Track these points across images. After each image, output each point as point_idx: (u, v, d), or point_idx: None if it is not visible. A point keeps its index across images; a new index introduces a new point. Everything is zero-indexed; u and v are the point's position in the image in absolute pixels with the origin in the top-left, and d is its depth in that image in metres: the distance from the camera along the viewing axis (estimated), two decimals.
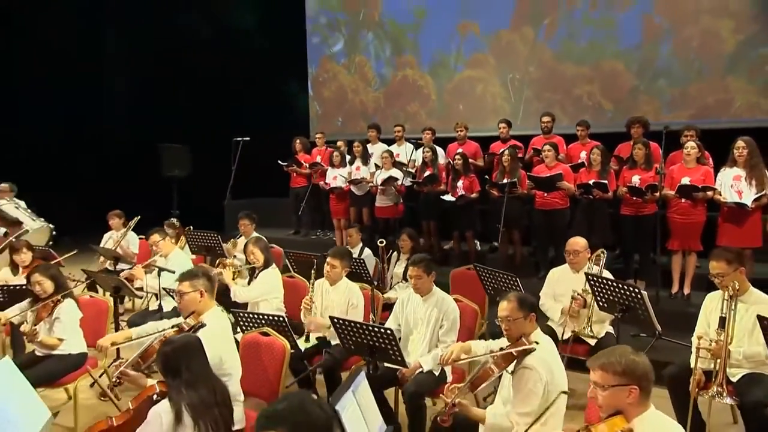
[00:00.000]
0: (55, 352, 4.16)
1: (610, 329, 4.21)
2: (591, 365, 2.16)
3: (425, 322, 3.85)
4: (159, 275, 5.29)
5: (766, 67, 7.03)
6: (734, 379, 3.37)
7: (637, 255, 5.92)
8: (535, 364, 2.74)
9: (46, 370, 4.03)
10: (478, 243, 7.14)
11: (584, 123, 6.70)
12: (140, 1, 11.19)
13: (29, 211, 7.02)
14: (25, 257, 5.47)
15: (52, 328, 4.23)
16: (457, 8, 9.13)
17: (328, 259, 4.45)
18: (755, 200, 4.95)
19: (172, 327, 3.39)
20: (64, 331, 4.20)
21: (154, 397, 2.80)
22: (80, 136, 11.12)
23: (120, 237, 6.76)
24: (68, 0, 10.96)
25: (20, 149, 10.15)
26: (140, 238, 7.03)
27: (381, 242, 5.62)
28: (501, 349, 2.91)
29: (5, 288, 4.88)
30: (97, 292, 5.90)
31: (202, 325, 3.23)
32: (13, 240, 5.86)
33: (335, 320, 3.69)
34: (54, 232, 7.20)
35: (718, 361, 3.24)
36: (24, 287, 4.70)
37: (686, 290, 5.46)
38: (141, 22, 11.18)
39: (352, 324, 3.60)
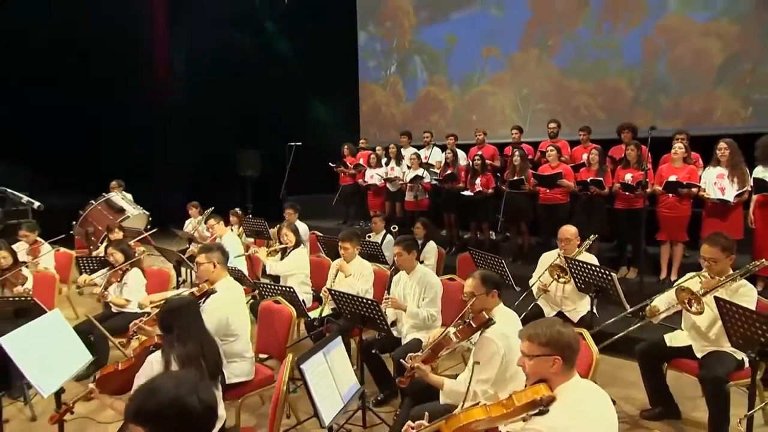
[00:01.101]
0: (125, 310, 4.38)
1: (593, 310, 3.93)
2: (520, 336, 2.01)
3: (411, 295, 3.79)
4: None
5: (747, 80, 6.77)
6: (699, 356, 3.22)
7: (630, 245, 5.69)
8: (494, 337, 2.60)
9: (115, 323, 4.18)
10: (493, 233, 6.99)
11: (586, 128, 6.54)
12: (218, 32, 11.36)
13: (132, 202, 7.28)
14: (118, 235, 5.75)
15: (122, 291, 4.48)
16: (481, 35, 9.14)
17: (340, 243, 4.43)
18: (737, 196, 4.75)
19: (190, 291, 3.46)
20: (130, 293, 4.43)
21: (151, 347, 2.77)
22: (177, 144, 11.57)
23: (197, 223, 7.12)
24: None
25: (132, 155, 10.56)
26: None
27: (394, 228, 5.67)
28: (462, 320, 2.73)
29: (95, 258, 5.26)
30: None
31: (214, 291, 3.27)
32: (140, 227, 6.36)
33: (333, 292, 3.66)
34: (150, 218, 7.36)
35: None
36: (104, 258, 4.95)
37: (673, 276, 5.22)
38: (215, 51, 11.35)
39: (347, 296, 3.52)
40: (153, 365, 2.48)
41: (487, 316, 2.62)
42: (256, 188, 10.25)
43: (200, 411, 1.38)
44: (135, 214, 7.08)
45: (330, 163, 8.58)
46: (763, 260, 3.18)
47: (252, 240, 6.62)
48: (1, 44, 9.15)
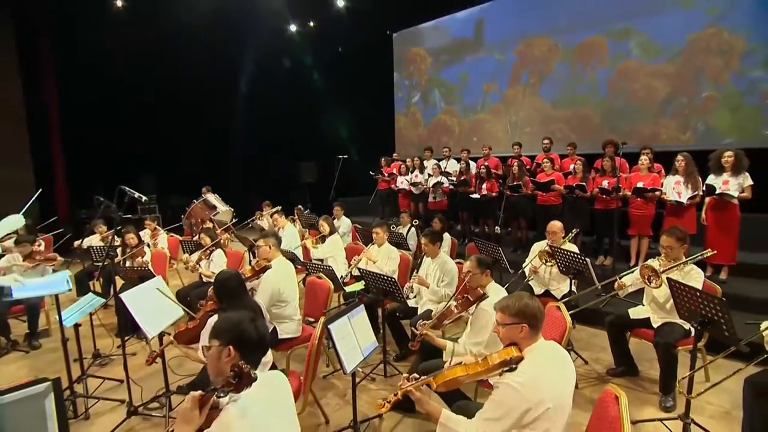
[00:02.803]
0: (211, 280, 4.41)
1: (574, 290, 3.81)
2: (495, 307, 1.91)
3: (432, 276, 3.78)
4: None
5: (686, 111, 6.58)
6: (655, 326, 3.16)
7: (606, 238, 5.52)
8: (488, 308, 2.58)
9: (203, 290, 4.18)
10: (497, 228, 6.70)
11: (572, 144, 6.34)
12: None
13: (221, 200, 7.39)
14: (208, 225, 6.00)
15: (209, 266, 4.66)
16: (485, 74, 9.08)
17: (374, 229, 4.41)
18: (690, 198, 4.58)
19: (250, 266, 3.44)
20: (215, 268, 4.54)
21: (210, 312, 2.75)
22: (255, 158, 11.73)
23: (263, 216, 7.31)
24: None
25: (220, 167, 10.92)
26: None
27: (415, 222, 5.63)
28: (462, 295, 2.74)
29: (194, 242, 5.41)
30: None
31: (269, 267, 3.27)
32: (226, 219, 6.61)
33: (361, 270, 3.65)
34: (234, 213, 7.65)
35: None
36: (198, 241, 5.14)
37: (640, 263, 4.97)
38: (283, 86, 11.46)
39: (373, 273, 3.55)
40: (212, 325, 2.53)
41: (481, 292, 2.63)
42: (313, 191, 10.42)
43: (254, 336, 1.52)
44: (224, 210, 7.33)
45: (370, 172, 8.61)
46: (708, 250, 3.09)
47: (307, 230, 6.77)
48: (124, 90, 9.46)
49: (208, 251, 4.67)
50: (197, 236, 5.54)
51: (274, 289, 3.15)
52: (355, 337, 2.43)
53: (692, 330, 2.91)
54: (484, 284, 2.72)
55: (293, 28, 10.97)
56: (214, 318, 2.47)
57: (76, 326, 3.18)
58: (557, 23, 7.88)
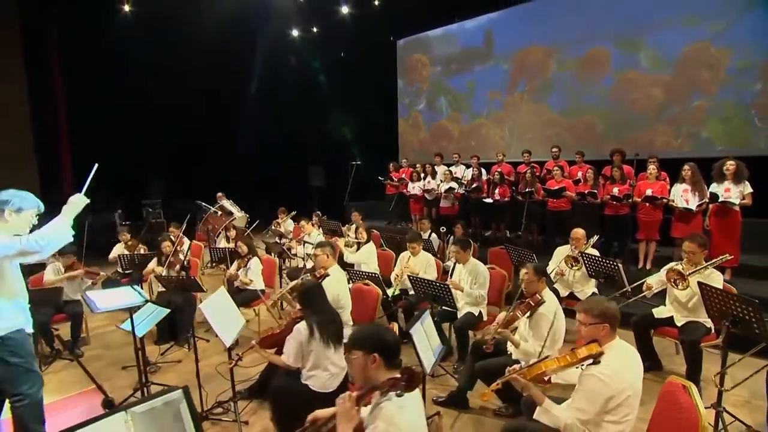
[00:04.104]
0: (248, 287, 4.64)
1: (596, 290, 4.17)
2: (578, 309, 2.16)
3: (465, 281, 3.96)
4: (303, 245, 5.76)
5: (678, 118, 7.06)
6: (679, 324, 3.45)
7: (616, 242, 5.85)
8: (545, 311, 2.86)
9: (243, 297, 4.48)
10: (507, 231, 7.19)
11: (581, 152, 6.67)
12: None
13: (236, 206, 7.66)
14: (231, 233, 6.25)
15: (246, 273, 4.74)
16: (492, 82, 9.41)
17: (410, 244, 4.55)
18: (698, 206, 4.92)
19: (312, 275, 3.67)
20: (252, 275, 4.69)
21: (297, 319, 2.86)
22: (262, 162, 11.85)
23: (280, 222, 7.47)
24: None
25: (229, 169, 10.93)
26: (294, 224, 7.60)
27: (442, 229, 5.85)
28: (521, 301, 2.99)
29: (220, 249, 5.62)
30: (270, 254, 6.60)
31: (327, 275, 3.48)
32: (228, 223, 6.67)
33: (412, 278, 3.82)
34: (249, 218, 7.76)
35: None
36: (233, 249, 5.26)
37: (648, 266, 5.44)
38: (293, 96, 11.67)
39: (424, 280, 3.73)
40: (300, 331, 2.66)
41: (539, 297, 2.90)
42: (321, 195, 10.57)
43: (393, 343, 1.73)
44: (239, 216, 7.51)
45: (379, 177, 8.84)
46: (726, 255, 3.44)
47: (329, 236, 6.94)
48: (131, 94, 9.44)
49: (246, 259, 4.79)
50: (223, 242, 5.68)
51: (333, 295, 3.30)
52: (427, 340, 2.64)
53: (712, 328, 3.32)
54: (540, 290, 2.97)
55: (296, 32, 11.11)
56: (302, 324, 2.67)
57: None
58: (562, 34, 8.24)
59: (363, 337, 1.73)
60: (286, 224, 7.57)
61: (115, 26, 8.84)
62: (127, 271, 5.57)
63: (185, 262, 4.39)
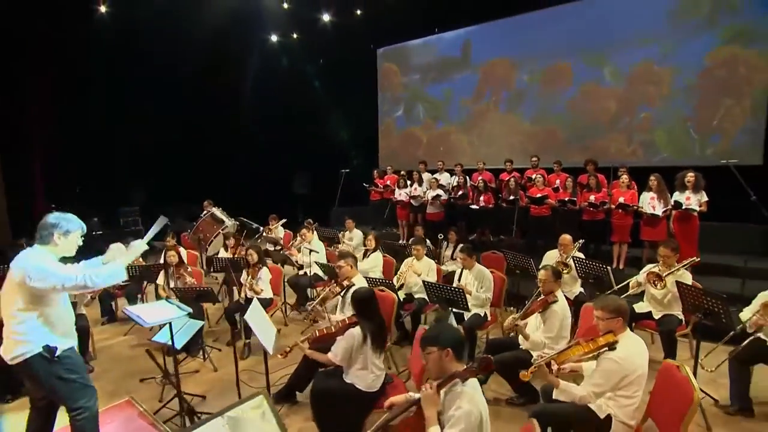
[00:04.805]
0: (258, 296, 4.80)
1: (582, 290, 4.69)
2: (595, 306, 2.60)
3: (472, 284, 4.36)
4: (310, 253, 5.91)
5: (629, 127, 7.96)
6: (656, 317, 4.01)
7: (592, 244, 6.36)
8: (557, 309, 3.32)
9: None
10: (491, 236, 7.70)
11: (558, 162, 7.28)
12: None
13: (226, 214, 7.43)
14: (230, 242, 6.35)
15: (257, 282, 4.91)
16: (464, 91, 10.07)
17: (415, 247, 4.95)
18: (663, 212, 5.62)
19: (337, 285, 3.91)
20: (262, 284, 4.89)
21: (350, 324, 3.10)
22: (256, 171, 11.70)
23: (273, 231, 7.67)
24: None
25: (217, 177, 10.90)
26: (285, 231, 7.85)
27: (440, 236, 6.23)
28: (537, 297, 3.44)
29: (221, 259, 5.63)
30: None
31: (353, 284, 3.75)
32: (225, 232, 6.73)
33: (426, 282, 4.21)
34: (238, 226, 7.50)
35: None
36: (236, 260, 5.43)
37: (621, 266, 6.10)
38: (279, 103, 11.69)
39: (440, 286, 4.09)
40: (354, 336, 2.94)
41: (554, 296, 3.38)
42: (304, 202, 10.77)
43: (462, 339, 2.10)
44: (230, 225, 7.43)
45: (364, 184, 9.15)
46: (694, 258, 4.07)
47: (325, 243, 7.12)
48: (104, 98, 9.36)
49: (257, 268, 4.96)
50: (206, 250, 5.76)
51: None
52: None
53: (683, 320, 3.95)
54: (555, 290, 3.44)
55: (275, 38, 11.25)
56: (356, 330, 2.96)
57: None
58: (532, 48, 8.97)
59: (436, 336, 2.08)
60: (277, 231, 7.76)
61: (91, 27, 8.66)
62: (124, 282, 5.59)
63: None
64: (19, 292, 2.36)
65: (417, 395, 2.26)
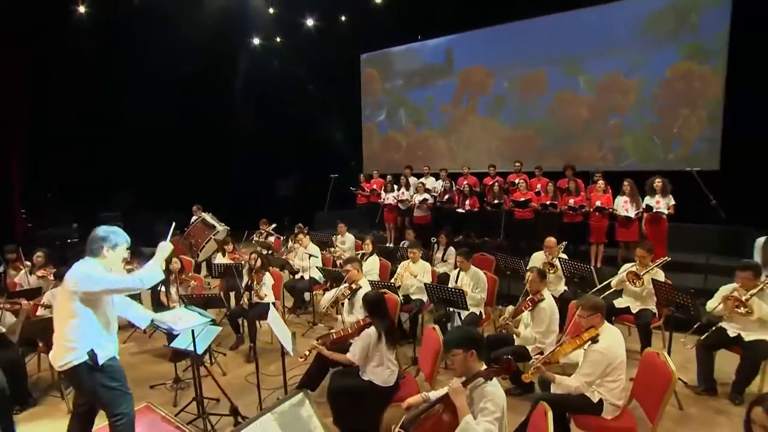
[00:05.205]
0: (262, 301, 5.01)
1: (566, 288, 5.09)
2: (578, 303, 2.97)
3: (468, 285, 4.68)
4: (309, 258, 6.07)
5: (600, 132, 8.66)
6: (634, 311, 4.47)
7: (571, 245, 6.67)
8: (545, 306, 3.68)
9: (259, 310, 4.81)
10: (476, 238, 8.03)
11: (539, 167, 7.77)
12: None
13: (216, 219, 7.56)
14: (229, 247, 6.47)
15: (261, 288, 5.06)
16: (446, 96, 10.54)
17: (411, 250, 5.24)
18: (636, 214, 6.19)
19: (346, 287, 4.15)
20: (266, 289, 5.06)
21: (364, 325, 3.32)
22: (240, 175, 11.82)
23: (266, 234, 7.85)
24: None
25: (201, 182, 10.81)
26: (276, 237, 7.98)
27: (433, 239, 6.50)
28: (526, 296, 3.84)
29: (219, 265, 5.84)
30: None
31: (360, 287, 4.02)
32: (221, 238, 6.84)
33: (428, 285, 4.51)
34: (229, 231, 7.61)
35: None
36: (235, 265, 5.65)
37: (598, 264, 6.57)
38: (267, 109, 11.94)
39: (439, 287, 4.40)
40: (370, 335, 3.21)
41: (541, 295, 3.77)
42: (289, 205, 10.86)
43: (483, 340, 2.42)
44: (221, 230, 7.54)
45: (351, 188, 9.42)
46: (667, 258, 4.61)
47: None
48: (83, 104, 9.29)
49: (261, 274, 5.14)
50: (197, 256, 5.91)
51: None
52: None
53: (656, 313, 4.45)
54: (541, 289, 3.84)
55: (257, 41, 11.34)
56: (371, 330, 3.24)
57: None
58: (510, 56, 9.54)
59: (460, 339, 2.38)
60: (269, 235, 7.92)
61: (75, 33, 8.56)
62: None
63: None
64: (70, 300, 2.55)
65: (432, 393, 2.62)
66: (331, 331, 3.75)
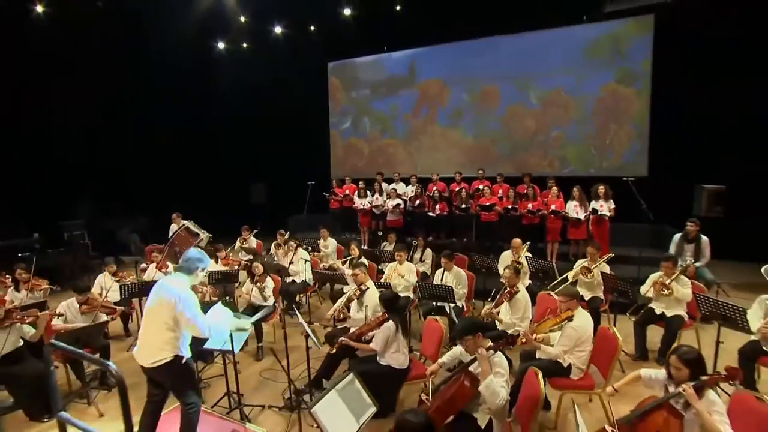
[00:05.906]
0: (263, 303, 5.50)
1: (531, 281, 5.94)
2: (558, 293, 3.94)
3: (451, 283, 5.33)
4: (305, 263, 6.59)
5: (546, 143, 9.98)
6: (587, 299, 5.38)
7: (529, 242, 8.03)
8: (520, 297, 4.55)
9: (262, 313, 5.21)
10: (445, 239, 8.88)
11: (501, 174, 8.85)
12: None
13: (199, 227, 7.52)
14: (222, 254, 6.94)
15: (263, 291, 5.59)
16: (409, 106, 11.50)
17: (398, 253, 5.93)
18: (584, 216, 7.36)
19: (356, 288, 4.77)
20: (267, 292, 5.58)
21: (383, 319, 3.94)
22: (199, 180, 11.85)
23: (247, 241, 8.29)
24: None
25: (171, 188, 10.82)
26: (257, 242, 8.49)
27: (414, 242, 7.30)
28: (505, 289, 4.71)
29: (222, 271, 6.29)
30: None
31: (368, 288, 4.64)
32: (212, 246, 7.17)
33: (420, 284, 5.32)
34: (211, 238, 7.78)
35: None
36: (231, 271, 6.18)
37: (554, 260, 7.60)
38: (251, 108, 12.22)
39: (433, 285, 5.15)
40: (390, 327, 3.89)
41: (517, 288, 4.68)
42: (263, 212, 11.11)
43: (481, 322, 3.31)
44: (204, 237, 7.86)
45: (324, 193, 10.00)
46: (611, 254, 5.80)
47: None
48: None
49: (263, 279, 5.66)
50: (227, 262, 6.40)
51: (375, 305, 4.59)
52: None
53: (603, 299, 5.64)
54: (516, 283, 4.76)
55: (222, 45, 11.60)
56: (390, 323, 3.97)
57: None
58: (467, 71, 10.66)
59: (468, 327, 3.18)
60: (250, 242, 8.39)
61: (33, 26, 8.47)
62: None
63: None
64: (168, 311, 3.11)
65: (444, 358, 3.48)
66: (342, 326, 4.48)
